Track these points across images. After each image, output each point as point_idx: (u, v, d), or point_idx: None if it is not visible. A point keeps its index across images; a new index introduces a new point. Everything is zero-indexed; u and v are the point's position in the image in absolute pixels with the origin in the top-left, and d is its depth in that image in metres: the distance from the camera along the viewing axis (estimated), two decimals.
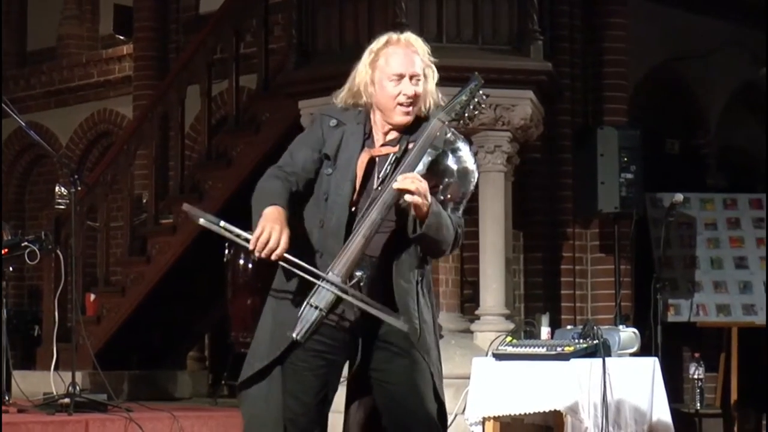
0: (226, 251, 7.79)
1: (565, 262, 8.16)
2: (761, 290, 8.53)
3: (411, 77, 3.73)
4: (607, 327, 6.28)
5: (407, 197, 3.58)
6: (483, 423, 6.08)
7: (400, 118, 3.76)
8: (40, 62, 12.34)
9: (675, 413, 6.29)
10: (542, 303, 7.99)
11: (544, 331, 6.67)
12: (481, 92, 3.80)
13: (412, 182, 3.59)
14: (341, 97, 3.87)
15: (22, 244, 6.70)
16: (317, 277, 3.60)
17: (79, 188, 6.93)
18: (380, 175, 3.73)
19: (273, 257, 3.57)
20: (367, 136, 3.79)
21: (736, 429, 8.64)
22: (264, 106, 8.15)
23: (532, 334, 7.01)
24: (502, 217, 7.12)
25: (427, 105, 3.79)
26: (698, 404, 8.59)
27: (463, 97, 3.77)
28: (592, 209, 7.91)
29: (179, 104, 8.55)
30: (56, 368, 6.99)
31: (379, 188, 3.70)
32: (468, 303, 7.57)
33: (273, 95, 7.98)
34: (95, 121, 11.86)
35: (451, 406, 6.49)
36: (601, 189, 7.78)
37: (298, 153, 3.81)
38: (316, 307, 3.58)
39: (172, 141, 9.24)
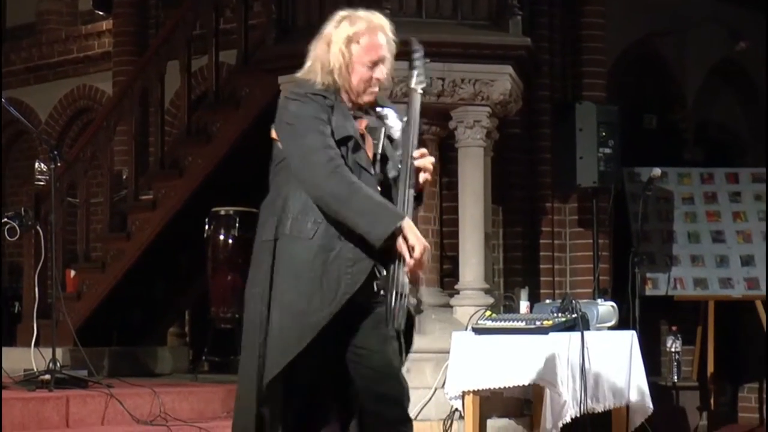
0: (207, 227, 7.80)
1: (544, 237, 8.20)
2: (737, 264, 8.58)
3: (383, 61, 3.83)
4: (585, 301, 6.33)
5: (422, 175, 3.77)
6: (462, 397, 6.12)
7: (369, 98, 3.88)
8: (19, 38, 12.27)
9: (652, 386, 6.34)
10: (521, 277, 8.03)
11: (523, 305, 6.73)
12: (426, 60, 3.92)
13: (430, 161, 3.78)
14: (320, 77, 3.86)
15: (2, 221, 6.69)
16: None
17: (59, 164, 6.90)
18: (379, 151, 3.82)
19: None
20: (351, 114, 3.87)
21: (712, 401, 8.71)
22: (244, 82, 8.13)
23: (512, 309, 7.06)
24: (481, 192, 7.14)
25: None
26: (675, 377, 8.67)
27: (422, 68, 3.88)
28: (570, 184, 7.94)
29: (159, 80, 8.52)
30: (36, 345, 6.97)
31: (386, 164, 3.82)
32: (447, 278, 7.60)
33: (253, 71, 7.96)
34: (75, 97, 11.82)
35: (430, 380, 6.58)
36: (579, 164, 7.81)
37: (325, 129, 3.78)
38: (403, 294, 3.67)
39: (151, 117, 9.21)
